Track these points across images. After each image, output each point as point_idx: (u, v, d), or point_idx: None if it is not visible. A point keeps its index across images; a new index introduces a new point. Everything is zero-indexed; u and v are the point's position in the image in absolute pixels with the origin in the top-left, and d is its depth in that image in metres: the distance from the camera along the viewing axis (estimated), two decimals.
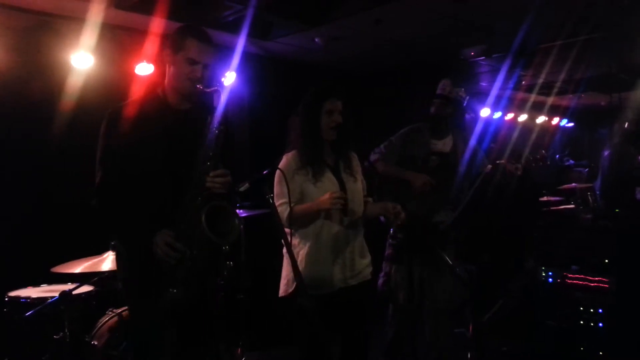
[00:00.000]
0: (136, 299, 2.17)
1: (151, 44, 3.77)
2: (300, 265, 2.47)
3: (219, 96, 2.07)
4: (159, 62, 3.82)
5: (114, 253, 3.07)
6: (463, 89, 3.39)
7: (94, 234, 2.76)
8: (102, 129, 2.13)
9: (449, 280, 3.17)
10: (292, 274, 2.34)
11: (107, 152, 2.10)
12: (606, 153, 5.02)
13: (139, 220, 2.06)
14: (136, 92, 2.26)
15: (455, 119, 3.39)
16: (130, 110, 2.12)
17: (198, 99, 2.16)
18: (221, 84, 2.13)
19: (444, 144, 3.34)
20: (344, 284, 2.52)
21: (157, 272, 2.03)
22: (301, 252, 2.52)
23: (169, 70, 2.15)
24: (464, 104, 3.45)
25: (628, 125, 4.75)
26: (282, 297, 2.56)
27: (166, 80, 2.18)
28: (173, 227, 2.03)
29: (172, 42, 2.11)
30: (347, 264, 2.53)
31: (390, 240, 3.32)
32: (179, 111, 2.16)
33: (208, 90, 2.07)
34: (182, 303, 2.05)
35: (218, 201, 2.02)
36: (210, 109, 2.07)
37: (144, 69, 3.93)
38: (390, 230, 3.30)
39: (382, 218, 3.08)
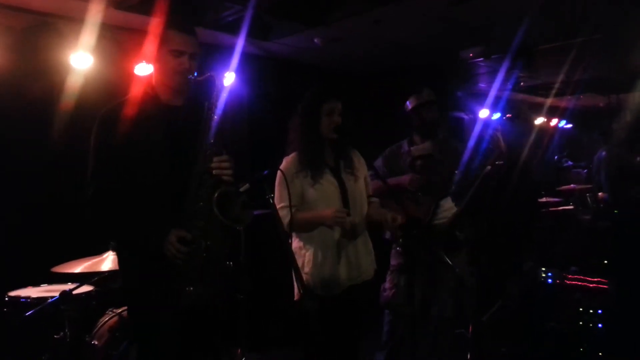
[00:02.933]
0: (149, 307, 2.05)
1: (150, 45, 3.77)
2: (307, 267, 2.49)
3: (215, 82, 2.03)
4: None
5: (114, 253, 3.07)
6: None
7: (94, 234, 2.75)
8: (96, 130, 2.06)
9: (453, 288, 3.17)
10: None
11: (102, 155, 2.03)
12: (602, 155, 5.05)
13: (144, 224, 2.00)
14: (128, 93, 2.20)
15: (439, 121, 3.42)
16: (123, 110, 2.06)
17: (191, 91, 2.11)
18: (216, 70, 2.09)
19: (423, 148, 3.36)
20: (350, 284, 2.53)
21: (172, 274, 1.97)
22: (307, 254, 2.53)
23: (156, 65, 2.10)
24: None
25: (625, 126, 4.78)
26: (295, 301, 2.55)
27: (154, 78, 2.13)
28: (182, 221, 1.98)
29: (157, 37, 2.06)
30: (353, 263, 2.54)
31: (398, 249, 3.29)
32: (173, 107, 2.11)
33: (201, 79, 2.04)
34: (202, 300, 2.01)
35: (226, 187, 2.00)
36: (207, 97, 2.03)
37: (144, 69, 3.93)
38: (399, 239, 3.27)
39: (386, 235, 3.09)
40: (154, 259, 1.97)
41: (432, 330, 3.22)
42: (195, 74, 2.05)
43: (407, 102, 3.43)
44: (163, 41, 2.05)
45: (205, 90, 2.08)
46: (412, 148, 3.37)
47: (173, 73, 2.05)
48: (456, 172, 3.28)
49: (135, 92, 2.14)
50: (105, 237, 2.20)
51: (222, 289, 2.26)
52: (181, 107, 2.12)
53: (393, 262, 3.30)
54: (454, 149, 3.34)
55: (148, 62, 2.17)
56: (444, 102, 6.43)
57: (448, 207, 3.27)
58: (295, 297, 2.55)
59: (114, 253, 2.99)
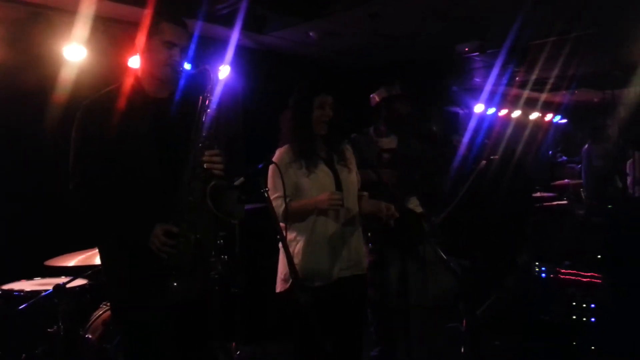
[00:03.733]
0: (135, 303, 2.00)
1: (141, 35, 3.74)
2: (297, 258, 2.48)
3: (209, 75, 2.00)
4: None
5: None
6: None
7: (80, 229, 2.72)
8: (78, 122, 2.00)
9: (436, 276, 3.17)
10: (287, 270, 2.35)
11: (83, 148, 1.98)
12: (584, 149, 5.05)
13: (128, 217, 1.96)
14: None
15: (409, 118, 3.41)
16: (107, 102, 2.01)
17: (177, 84, 2.08)
18: (211, 63, 2.07)
19: (389, 142, 3.34)
20: (340, 276, 2.53)
21: (157, 270, 1.93)
22: (297, 245, 2.53)
23: (144, 56, 2.05)
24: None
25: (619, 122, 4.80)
26: (279, 293, 2.56)
27: (141, 69, 2.08)
28: (172, 214, 1.95)
29: (146, 28, 2.02)
30: (344, 256, 2.54)
31: (370, 246, 3.20)
32: (159, 100, 2.07)
33: (192, 72, 2.01)
34: (190, 294, 1.98)
35: (218, 181, 1.98)
36: (198, 90, 2.00)
37: (137, 61, 3.90)
38: (368, 234, 3.22)
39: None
40: (139, 253, 1.94)
41: (419, 320, 3.21)
42: (187, 67, 2.03)
43: (375, 94, 3.38)
44: (155, 32, 2.00)
45: (192, 83, 2.06)
46: (379, 139, 3.33)
47: (164, 65, 2.00)
48: (416, 174, 3.28)
49: (120, 83, 2.08)
50: (88, 232, 2.14)
51: (211, 282, 2.23)
52: (166, 99, 2.07)
53: (369, 258, 3.29)
54: (418, 149, 3.32)
55: (137, 52, 2.10)
56: (439, 96, 6.45)
57: (414, 205, 3.26)
58: (278, 289, 2.56)
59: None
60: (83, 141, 1.99)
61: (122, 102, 2.00)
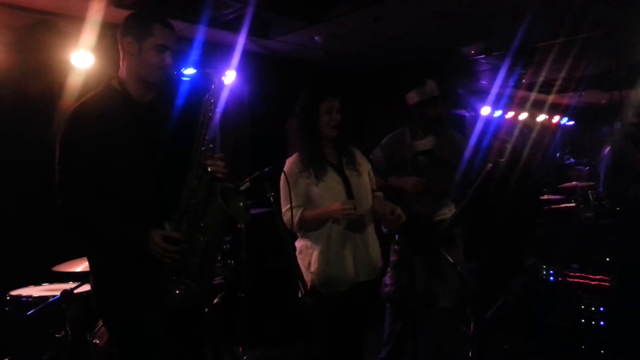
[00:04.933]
0: (131, 316, 1.94)
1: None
2: (314, 265, 2.50)
3: (212, 80, 1.98)
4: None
5: None
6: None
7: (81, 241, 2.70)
8: (63, 133, 1.92)
9: (453, 280, 3.16)
10: (307, 276, 2.36)
11: (70, 160, 1.91)
12: (606, 151, 5.01)
13: (121, 228, 1.90)
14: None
15: (443, 117, 3.37)
16: (92, 109, 1.93)
17: (162, 87, 2.04)
18: (216, 68, 2.04)
19: (426, 143, 3.32)
20: (358, 280, 2.53)
21: (156, 275, 1.91)
22: (314, 253, 2.54)
23: (133, 60, 1.98)
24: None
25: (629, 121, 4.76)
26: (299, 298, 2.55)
27: (126, 71, 2.01)
28: (176, 219, 1.93)
29: (135, 30, 1.96)
30: (362, 260, 2.54)
31: (395, 247, 3.24)
32: (144, 104, 2.01)
33: (186, 76, 2.02)
34: (195, 298, 1.96)
35: (223, 184, 1.98)
36: (201, 95, 1.98)
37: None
38: (395, 236, 3.27)
39: (383, 228, 3.08)
40: (136, 261, 1.90)
41: (432, 323, 3.20)
42: (192, 71, 2.02)
43: (408, 96, 3.31)
44: (146, 34, 1.94)
45: (195, 87, 2.04)
46: (415, 142, 3.30)
47: (156, 68, 1.96)
48: (459, 169, 3.24)
49: (102, 87, 2.02)
50: (82, 245, 2.09)
51: (212, 286, 2.19)
52: (150, 103, 2.03)
53: (393, 257, 3.29)
54: (457, 146, 3.29)
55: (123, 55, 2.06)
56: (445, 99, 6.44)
57: (447, 205, 3.24)
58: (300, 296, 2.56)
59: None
60: (68, 152, 1.92)
61: (106, 107, 1.94)
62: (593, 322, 3.52)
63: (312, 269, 2.49)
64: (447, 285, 3.14)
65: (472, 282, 3.30)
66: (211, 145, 1.98)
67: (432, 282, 3.16)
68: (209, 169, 1.95)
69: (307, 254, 2.54)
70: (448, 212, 3.21)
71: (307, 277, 2.50)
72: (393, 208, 2.52)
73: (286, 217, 2.45)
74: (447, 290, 3.14)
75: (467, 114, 7.48)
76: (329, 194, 2.51)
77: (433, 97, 3.23)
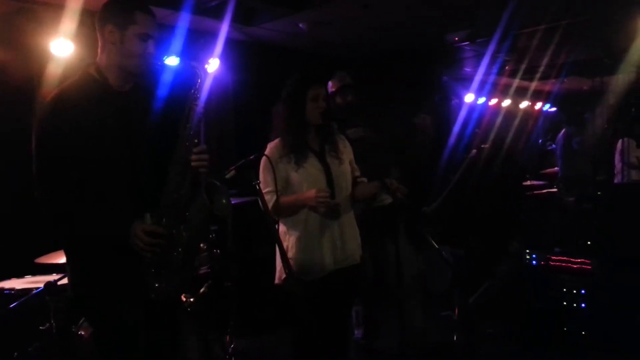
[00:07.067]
0: (111, 309, 1.92)
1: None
2: (291, 251, 2.50)
3: (196, 73, 1.96)
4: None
5: None
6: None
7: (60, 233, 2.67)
8: (41, 121, 1.89)
9: (431, 265, 3.19)
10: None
11: (47, 151, 1.87)
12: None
13: (101, 219, 1.87)
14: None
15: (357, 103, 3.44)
16: (69, 97, 1.89)
17: (148, 76, 2.01)
18: (200, 58, 2.02)
19: (355, 132, 3.34)
20: (334, 267, 2.54)
21: (138, 268, 1.90)
22: (291, 239, 2.54)
23: (115, 49, 1.93)
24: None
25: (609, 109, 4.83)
26: (276, 285, 2.56)
27: (106, 60, 1.95)
28: (158, 212, 1.91)
29: (117, 18, 1.91)
30: (338, 247, 2.55)
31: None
32: (122, 93, 1.97)
33: (170, 65, 1.99)
34: (177, 292, 1.96)
35: (208, 179, 1.97)
36: (184, 87, 1.95)
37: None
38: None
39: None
40: (115, 252, 1.88)
41: (405, 303, 3.23)
42: (175, 62, 2.00)
43: (341, 75, 3.45)
44: (129, 22, 1.90)
45: (178, 79, 2.01)
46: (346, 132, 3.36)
47: (138, 58, 1.93)
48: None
49: (80, 76, 1.97)
50: (62, 237, 2.05)
51: (194, 277, 2.19)
52: (129, 92, 1.99)
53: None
54: (392, 131, 3.35)
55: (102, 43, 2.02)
56: (429, 86, 6.45)
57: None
58: (276, 281, 2.56)
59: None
60: (47, 141, 1.88)
61: (84, 97, 1.89)
62: (575, 305, 3.58)
63: (290, 254, 2.49)
64: (417, 266, 3.18)
65: (452, 265, 3.34)
66: (196, 141, 1.96)
67: (403, 264, 3.18)
68: (193, 164, 1.94)
69: (284, 239, 2.54)
70: (385, 199, 3.23)
71: (289, 262, 2.50)
72: (390, 180, 2.54)
73: (266, 200, 2.44)
74: (416, 270, 3.17)
75: (451, 101, 7.51)
76: (307, 180, 2.51)
77: (342, 86, 3.35)
